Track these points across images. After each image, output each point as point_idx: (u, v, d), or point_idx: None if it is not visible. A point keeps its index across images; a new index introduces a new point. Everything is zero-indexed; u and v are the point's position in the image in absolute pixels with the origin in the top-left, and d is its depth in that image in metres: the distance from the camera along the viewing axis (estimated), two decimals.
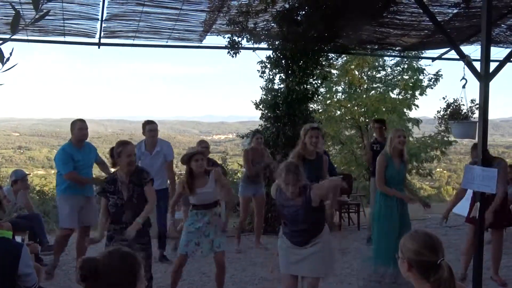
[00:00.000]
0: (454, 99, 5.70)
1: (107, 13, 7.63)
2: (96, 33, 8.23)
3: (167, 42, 8.93)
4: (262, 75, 9.13)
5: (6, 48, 2.11)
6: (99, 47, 8.61)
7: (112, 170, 5.33)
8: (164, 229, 7.07)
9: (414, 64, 17.72)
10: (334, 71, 17.07)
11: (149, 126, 6.98)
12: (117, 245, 4.64)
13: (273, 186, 4.64)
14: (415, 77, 17.86)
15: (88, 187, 6.41)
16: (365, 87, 18.90)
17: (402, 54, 12.75)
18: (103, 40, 8.46)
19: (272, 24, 8.65)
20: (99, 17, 7.70)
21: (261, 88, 9.16)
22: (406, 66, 18.10)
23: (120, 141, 4.96)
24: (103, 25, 7.95)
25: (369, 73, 19.08)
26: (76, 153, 6.23)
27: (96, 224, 6.40)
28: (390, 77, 18.73)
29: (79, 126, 6.30)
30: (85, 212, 6.36)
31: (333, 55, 10.08)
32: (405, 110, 18.60)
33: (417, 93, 18.14)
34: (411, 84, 17.79)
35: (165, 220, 7.12)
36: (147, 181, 4.87)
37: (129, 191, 4.80)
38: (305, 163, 5.29)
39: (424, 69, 17.58)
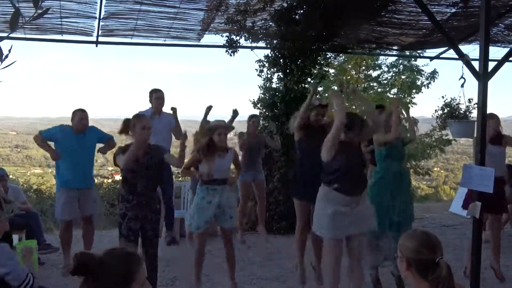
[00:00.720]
0: (451, 98, 5.70)
1: (105, 11, 7.62)
2: (93, 32, 8.22)
3: (165, 40, 8.91)
4: (260, 74, 9.11)
5: (4, 45, 2.09)
6: (96, 46, 8.59)
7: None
8: (171, 202, 7.14)
9: (411, 64, 17.77)
10: (331, 70, 17.09)
11: (156, 94, 7.07)
12: (131, 222, 4.74)
13: (326, 147, 4.52)
14: (412, 77, 17.92)
15: (85, 179, 6.33)
16: (362, 86, 18.93)
17: (400, 54, 12.74)
18: (100, 39, 8.44)
19: (270, 23, 8.64)
20: (97, 15, 7.69)
21: (259, 87, 9.15)
22: (401, 67, 18.17)
23: (135, 114, 5.11)
24: (101, 23, 7.93)
25: (366, 72, 19.14)
26: (70, 137, 6.22)
27: (96, 214, 6.70)
28: (387, 77, 18.79)
29: (79, 116, 6.27)
30: (82, 203, 6.33)
31: (331, 54, 10.04)
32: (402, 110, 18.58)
33: (413, 92, 18.22)
34: (408, 84, 17.84)
35: (170, 194, 7.18)
36: (166, 152, 5.09)
37: (143, 161, 4.85)
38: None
39: (422, 69, 17.64)
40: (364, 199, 4.72)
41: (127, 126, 4.96)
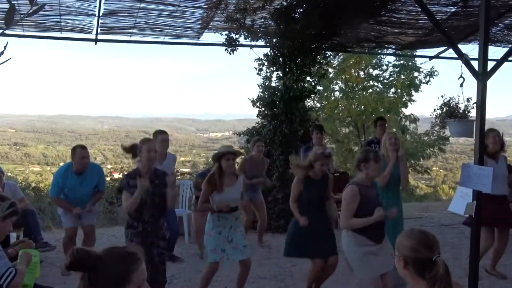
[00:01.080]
0: (450, 97, 5.69)
1: (104, 9, 7.60)
2: (93, 29, 8.20)
3: (164, 38, 8.89)
4: (259, 72, 9.12)
5: (1, 42, 2.08)
6: (95, 43, 8.57)
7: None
8: (175, 232, 7.07)
9: (411, 64, 17.81)
10: (330, 69, 17.14)
11: (161, 137, 6.95)
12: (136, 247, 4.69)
13: (350, 190, 4.51)
14: (411, 76, 17.96)
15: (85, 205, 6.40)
16: (362, 85, 18.97)
17: (399, 53, 12.74)
18: (100, 36, 8.43)
19: (270, 22, 8.63)
20: (96, 13, 7.66)
21: (258, 86, 9.15)
22: (401, 65, 18.20)
23: (143, 139, 5.10)
24: (100, 21, 7.91)
25: (365, 71, 19.18)
26: (72, 180, 6.30)
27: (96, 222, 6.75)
28: (387, 76, 18.83)
29: (80, 155, 6.29)
30: (83, 215, 6.41)
31: (330, 53, 10.04)
32: (401, 109, 18.70)
33: (412, 90, 18.26)
34: (407, 83, 17.88)
35: (174, 223, 7.14)
36: (170, 179, 4.99)
37: (150, 188, 4.79)
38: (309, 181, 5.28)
39: (420, 67, 17.66)
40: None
41: (134, 149, 4.99)
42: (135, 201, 4.71)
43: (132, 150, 5.02)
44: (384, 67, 18.79)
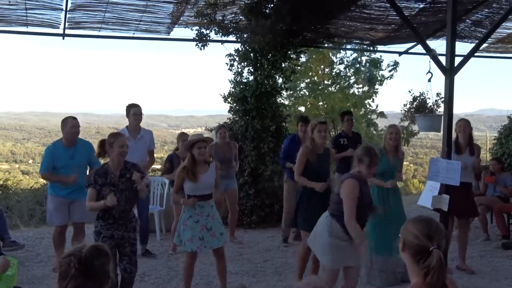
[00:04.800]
0: (420, 92, 5.77)
1: (71, 3, 7.45)
2: (60, 24, 8.04)
3: (134, 34, 8.79)
4: (230, 68, 9.08)
5: None
6: (63, 38, 8.42)
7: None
8: (146, 223, 7.04)
9: (371, 59, 18.20)
10: (297, 67, 17.35)
11: (134, 109, 6.87)
12: (106, 240, 4.56)
13: (348, 183, 4.42)
14: (369, 71, 18.33)
15: (76, 191, 6.10)
16: (327, 82, 19.26)
17: (369, 48, 12.86)
18: (67, 31, 8.28)
19: (241, 17, 8.60)
20: (63, 7, 7.51)
21: (230, 81, 9.12)
22: (359, 62, 18.56)
23: (113, 133, 4.91)
24: (68, 15, 7.76)
25: (327, 69, 19.51)
26: (63, 154, 6.07)
27: (89, 220, 6.29)
28: (348, 74, 19.21)
29: (71, 124, 6.08)
30: (73, 208, 6.20)
31: (301, 49, 10.06)
32: (369, 103, 19.03)
33: (376, 85, 18.61)
34: (367, 76, 18.26)
35: (146, 213, 7.09)
36: (144, 175, 4.92)
37: (120, 184, 4.68)
38: (315, 157, 5.39)
39: (381, 60, 18.05)
40: None
41: (103, 146, 4.74)
42: (98, 208, 4.63)
43: (101, 147, 4.78)
44: (345, 63, 19.15)
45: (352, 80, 19.22)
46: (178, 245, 5.44)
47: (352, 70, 19.08)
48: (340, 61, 19.21)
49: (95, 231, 4.77)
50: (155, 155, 7.49)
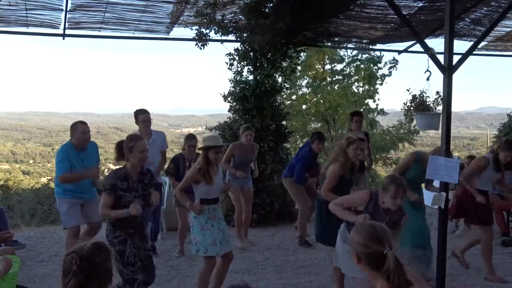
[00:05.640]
0: (420, 91, 5.79)
1: (71, 4, 7.47)
2: (60, 24, 8.06)
3: (133, 33, 8.81)
4: (230, 67, 9.10)
5: None
6: (63, 39, 8.44)
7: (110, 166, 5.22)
8: (158, 222, 7.12)
9: (371, 56, 18.26)
10: (298, 66, 17.41)
11: (142, 116, 6.88)
12: (133, 250, 4.38)
13: (360, 194, 4.47)
14: (369, 69, 18.40)
15: (87, 190, 6.08)
16: (328, 80, 19.28)
17: (368, 47, 12.88)
18: (67, 31, 8.30)
19: (240, 16, 8.62)
20: (64, 8, 7.54)
21: (229, 81, 9.14)
22: (360, 59, 18.62)
23: (131, 136, 4.70)
24: (68, 15, 7.78)
25: (329, 66, 19.56)
26: (76, 157, 5.95)
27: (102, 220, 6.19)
28: (349, 71, 19.25)
29: (82, 130, 5.96)
30: (87, 209, 6.08)
31: (301, 48, 10.08)
32: (369, 102, 19.09)
33: (377, 83, 18.66)
34: (368, 74, 18.29)
35: (158, 216, 7.13)
36: (156, 182, 4.89)
37: (140, 190, 4.51)
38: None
39: (381, 57, 18.09)
40: None
41: (121, 150, 4.51)
42: (119, 216, 4.36)
43: (118, 150, 4.56)
44: (346, 61, 19.20)
45: (354, 78, 19.24)
46: (196, 255, 5.23)
47: (353, 68, 19.12)
48: (340, 60, 19.25)
49: (119, 240, 4.44)
50: None
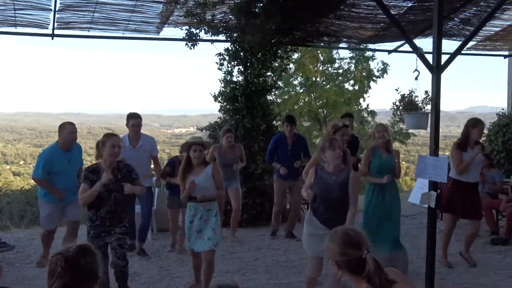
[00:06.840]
0: (409, 90, 5.81)
1: (60, 3, 7.42)
2: (49, 24, 8.00)
3: (123, 33, 8.77)
4: (220, 67, 9.09)
5: None
6: (52, 39, 8.38)
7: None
8: (147, 222, 7.13)
9: (365, 55, 18.38)
10: (291, 65, 17.43)
11: (132, 121, 6.95)
12: (94, 240, 4.64)
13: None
14: (367, 68, 18.51)
15: (70, 195, 6.19)
16: (322, 80, 19.34)
17: (358, 47, 12.92)
18: (56, 31, 8.23)
19: (230, 16, 8.61)
20: (52, 7, 7.48)
21: (220, 81, 9.13)
22: (356, 57, 18.73)
23: (107, 133, 5.04)
24: (57, 15, 7.72)
25: (322, 67, 19.62)
26: (61, 158, 6.14)
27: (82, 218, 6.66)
28: (345, 68, 19.35)
29: (69, 130, 6.19)
30: (68, 209, 6.34)
31: (291, 47, 10.08)
32: (360, 101, 19.19)
33: (373, 79, 18.79)
34: (364, 74, 18.38)
35: (148, 217, 7.12)
36: (137, 177, 5.00)
37: (110, 185, 4.76)
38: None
39: (373, 56, 18.22)
40: None
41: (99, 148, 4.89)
42: (93, 193, 4.68)
43: (97, 147, 4.93)
44: (341, 60, 19.32)
45: (350, 76, 19.32)
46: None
47: (348, 66, 19.24)
48: (336, 59, 19.38)
49: (87, 229, 4.92)
50: None
